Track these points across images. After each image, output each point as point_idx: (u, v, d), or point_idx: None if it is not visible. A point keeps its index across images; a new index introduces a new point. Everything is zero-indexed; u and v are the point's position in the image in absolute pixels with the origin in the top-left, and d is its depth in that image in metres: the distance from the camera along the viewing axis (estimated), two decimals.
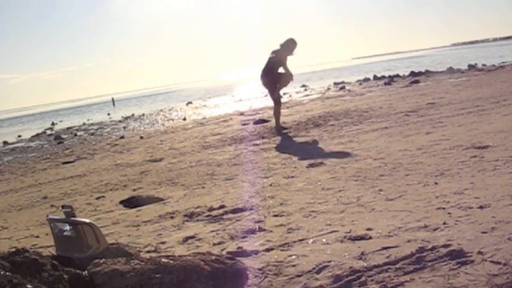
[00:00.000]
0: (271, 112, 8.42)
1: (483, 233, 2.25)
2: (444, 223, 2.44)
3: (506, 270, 1.87)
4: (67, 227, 2.23)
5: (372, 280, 1.95)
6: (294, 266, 2.17)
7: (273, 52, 7.39)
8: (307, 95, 15.61)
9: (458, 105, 7.18)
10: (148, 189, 4.56)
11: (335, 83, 20.53)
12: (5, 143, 15.02)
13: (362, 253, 2.20)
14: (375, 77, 20.39)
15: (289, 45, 7.32)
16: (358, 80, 20.63)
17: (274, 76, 7.37)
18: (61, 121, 26.23)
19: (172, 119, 14.26)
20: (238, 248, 2.50)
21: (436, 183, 3.23)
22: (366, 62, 72.09)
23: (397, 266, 2.04)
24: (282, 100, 8.64)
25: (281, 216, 2.99)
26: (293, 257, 2.28)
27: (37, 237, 3.40)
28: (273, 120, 8.49)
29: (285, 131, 7.22)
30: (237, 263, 2.04)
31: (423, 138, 4.95)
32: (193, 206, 3.56)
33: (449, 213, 2.59)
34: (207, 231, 2.89)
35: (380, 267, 2.04)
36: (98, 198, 4.50)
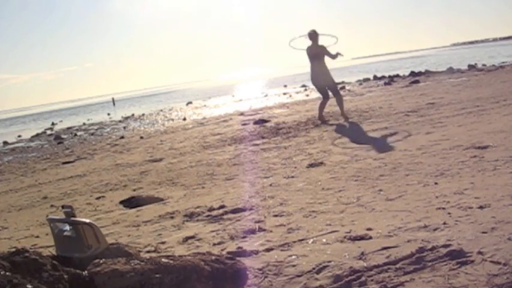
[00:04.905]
0: (271, 112, 8.46)
1: (483, 233, 2.25)
2: (444, 223, 2.44)
3: (506, 270, 1.87)
4: (67, 227, 2.23)
5: (372, 280, 1.95)
6: (294, 266, 2.17)
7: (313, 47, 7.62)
8: (307, 95, 15.62)
9: (458, 105, 7.18)
10: (148, 189, 4.56)
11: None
12: (5, 143, 15.01)
13: (362, 253, 2.20)
14: (375, 77, 20.39)
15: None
16: (358, 80, 20.62)
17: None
18: (61, 121, 26.22)
19: (172, 119, 14.26)
20: (238, 248, 2.50)
21: (436, 183, 3.23)
22: (366, 62, 72.05)
23: (397, 266, 2.04)
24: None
25: (281, 216, 2.99)
26: (293, 257, 2.27)
27: (37, 237, 3.40)
28: (273, 120, 8.51)
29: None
30: (237, 263, 2.04)
31: (423, 138, 4.95)
32: (193, 206, 3.55)
33: (449, 213, 2.59)
34: (207, 231, 2.89)
35: (380, 267, 2.04)
36: (98, 198, 4.50)
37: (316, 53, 7.54)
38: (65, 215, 2.20)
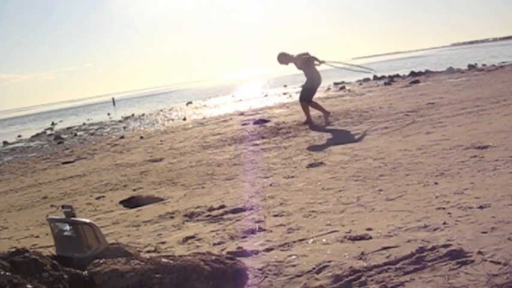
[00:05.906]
0: (271, 112, 8.48)
1: (483, 233, 2.25)
2: (444, 223, 2.44)
3: (506, 270, 1.87)
4: (67, 227, 2.23)
5: (372, 280, 1.95)
6: (294, 266, 2.17)
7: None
8: None
9: (458, 105, 7.18)
10: (148, 189, 4.56)
11: (335, 83, 20.50)
12: (5, 143, 15.01)
13: (362, 253, 2.20)
14: (375, 77, 20.36)
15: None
16: (358, 80, 20.60)
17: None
18: (61, 121, 26.21)
19: (172, 119, 14.26)
20: (238, 248, 2.50)
21: (436, 183, 3.23)
22: (366, 62, 72.01)
23: (397, 266, 2.04)
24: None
25: (281, 216, 2.99)
26: (293, 257, 2.28)
27: (37, 237, 3.40)
28: (273, 120, 8.52)
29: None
30: (237, 263, 2.04)
31: (423, 138, 4.95)
32: (193, 206, 3.56)
33: (449, 213, 2.59)
34: (207, 231, 2.89)
35: (380, 267, 2.04)
36: (98, 198, 4.50)
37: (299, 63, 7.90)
38: (65, 215, 2.20)
